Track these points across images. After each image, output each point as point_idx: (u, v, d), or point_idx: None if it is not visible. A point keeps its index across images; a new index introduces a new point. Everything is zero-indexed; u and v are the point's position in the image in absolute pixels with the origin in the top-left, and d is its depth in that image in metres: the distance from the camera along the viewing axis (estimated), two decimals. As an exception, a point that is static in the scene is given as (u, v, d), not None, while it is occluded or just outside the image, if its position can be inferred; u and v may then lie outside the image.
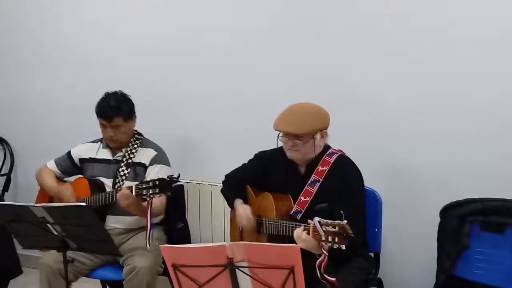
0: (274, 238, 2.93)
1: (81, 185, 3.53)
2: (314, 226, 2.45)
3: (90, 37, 4.29)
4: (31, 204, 2.91)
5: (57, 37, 4.40)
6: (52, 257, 3.24)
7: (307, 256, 2.39)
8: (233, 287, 2.35)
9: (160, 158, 3.54)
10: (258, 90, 3.79)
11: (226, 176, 3.32)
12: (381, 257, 3.22)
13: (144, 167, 3.51)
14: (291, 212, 2.94)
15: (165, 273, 3.23)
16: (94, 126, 3.58)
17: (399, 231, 3.50)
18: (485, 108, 3.22)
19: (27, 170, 4.55)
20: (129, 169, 3.50)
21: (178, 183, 3.66)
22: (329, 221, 2.40)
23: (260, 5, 3.72)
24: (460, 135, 3.30)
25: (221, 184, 3.33)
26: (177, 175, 3.11)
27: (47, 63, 4.48)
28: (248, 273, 2.31)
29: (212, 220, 3.97)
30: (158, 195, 3.02)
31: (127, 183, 3.36)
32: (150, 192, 3.01)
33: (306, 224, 2.55)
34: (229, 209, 3.30)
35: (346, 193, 2.84)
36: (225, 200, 3.31)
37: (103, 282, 3.79)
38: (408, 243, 3.51)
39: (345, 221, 2.35)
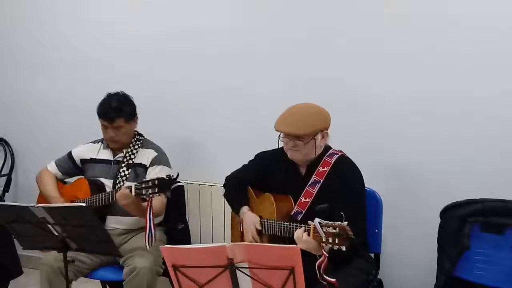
0: (274, 239, 2.93)
1: (81, 186, 3.53)
2: (314, 227, 2.45)
3: (90, 37, 4.28)
4: (32, 204, 2.92)
5: (57, 37, 4.40)
6: (52, 256, 3.24)
7: (307, 257, 2.39)
8: (233, 287, 2.34)
9: (161, 159, 3.54)
10: (258, 90, 3.79)
11: (226, 178, 3.31)
12: (381, 258, 3.22)
13: (145, 168, 3.51)
14: (292, 213, 2.94)
15: (165, 273, 3.23)
16: (94, 127, 3.58)
17: (399, 231, 3.50)
18: (485, 108, 3.22)
19: (28, 171, 4.56)
20: (129, 170, 3.50)
21: (178, 183, 3.68)
22: (329, 222, 2.40)
23: (260, 5, 3.72)
24: (460, 135, 3.30)
25: (222, 186, 3.33)
26: (176, 174, 3.11)
27: (47, 63, 4.47)
28: (248, 274, 2.31)
29: (213, 221, 3.97)
30: (158, 194, 3.02)
31: (127, 184, 3.35)
32: (150, 191, 3.01)
33: (306, 225, 2.55)
34: (230, 209, 3.30)
35: (346, 194, 2.84)
36: (228, 204, 3.30)
37: (103, 283, 3.79)
38: (408, 243, 3.51)
39: (346, 223, 2.35)
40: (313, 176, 2.94)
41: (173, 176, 3.07)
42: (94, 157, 3.61)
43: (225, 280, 2.34)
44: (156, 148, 3.59)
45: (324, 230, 2.39)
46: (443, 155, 3.35)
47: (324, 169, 2.94)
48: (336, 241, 2.36)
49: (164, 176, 3.04)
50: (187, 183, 3.91)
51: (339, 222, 2.36)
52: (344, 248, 2.35)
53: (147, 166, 3.51)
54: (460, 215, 3.00)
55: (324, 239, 2.39)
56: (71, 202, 3.49)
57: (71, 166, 3.67)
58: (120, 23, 4.16)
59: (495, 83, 3.19)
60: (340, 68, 3.53)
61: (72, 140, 3.82)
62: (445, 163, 3.35)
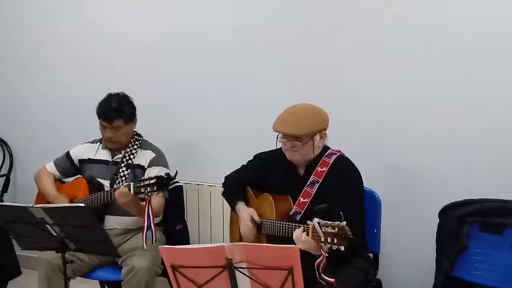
0: (273, 239, 2.93)
1: (79, 185, 3.54)
2: (313, 227, 2.45)
3: (90, 37, 4.28)
4: (30, 205, 2.92)
5: (57, 37, 4.40)
6: (51, 253, 3.23)
7: (306, 257, 2.39)
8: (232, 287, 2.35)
9: (159, 160, 3.54)
10: (258, 90, 3.79)
11: (225, 177, 3.32)
12: (380, 258, 3.22)
13: (143, 169, 3.51)
14: (291, 213, 2.94)
15: (164, 274, 3.22)
16: (94, 127, 3.58)
17: (399, 231, 3.51)
18: (485, 108, 3.23)
19: (26, 171, 4.56)
20: (128, 170, 3.50)
21: (177, 183, 3.68)
22: (328, 222, 2.40)
23: (260, 5, 3.72)
24: (460, 135, 3.30)
25: (221, 185, 3.33)
26: (174, 172, 3.11)
27: (47, 63, 4.47)
28: (247, 274, 2.32)
29: (211, 221, 3.97)
30: (156, 192, 3.02)
31: (127, 184, 3.34)
32: (148, 190, 3.01)
33: (305, 225, 2.56)
34: (229, 210, 3.30)
35: (345, 194, 2.84)
36: (227, 202, 3.30)
37: (102, 283, 3.80)
38: (408, 243, 3.52)
39: (344, 222, 2.35)
40: (312, 176, 2.95)
41: (172, 174, 3.07)
42: (92, 157, 3.61)
43: (223, 280, 2.34)
44: (155, 149, 3.59)
45: (323, 230, 2.39)
46: (442, 155, 3.35)
47: (323, 169, 2.94)
48: (335, 241, 2.36)
49: (163, 174, 3.05)
50: (186, 183, 3.91)
51: (338, 222, 2.37)
52: (342, 248, 2.35)
53: (145, 167, 3.51)
54: (459, 215, 3.00)
55: (323, 239, 2.39)
56: (70, 201, 3.50)
57: (69, 166, 3.67)
58: (120, 23, 4.16)
59: (495, 83, 3.19)
60: (340, 68, 3.53)
61: (71, 141, 3.81)
62: (444, 163, 3.35)
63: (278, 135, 2.94)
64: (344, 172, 2.94)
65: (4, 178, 4.72)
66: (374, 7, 3.41)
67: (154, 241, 3.09)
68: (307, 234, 2.50)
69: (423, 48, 3.32)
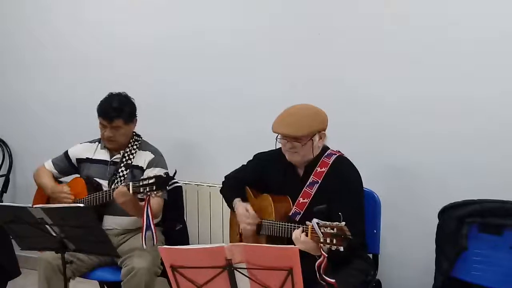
0: (273, 239, 2.93)
1: (77, 185, 3.54)
2: (312, 228, 2.45)
3: (90, 37, 4.29)
4: (30, 205, 2.92)
5: (57, 37, 4.40)
6: (50, 254, 3.23)
7: (306, 258, 2.40)
8: (231, 288, 2.35)
9: (158, 161, 3.54)
10: (258, 90, 3.80)
11: (225, 177, 3.32)
12: (380, 258, 3.22)
13: (142, 170, 3.51)
14: (290, 214, 2.94)
15: (164, 274, 3.22)
16: (93, 127, 3.58)
17: (398, 232, 3.51)
18: (485, 108, 3.23)
19: (26, 171, 4.56)
20: (127, 171, 3.50)
21: (177, 184, 3.68)
22: (327, 222, 2.40)
23: (260, 5, 3.72)
24: (460, 135, 3.30)
25: (221, 185, 3.34)
26: (174, 172, 3.12)
27: (47, 63, 4.47)
28: (246, 275, 2.32)
29: (211, 222, 3.97)
30: (155, 192, 3.02)
31: (126, 183, 3.34)
32: (147, 189, 3.02)
33: (304, 226, 2.56)
34: (228, 210, 3.30)
35: (344, 194, 2.84)
36: (224, 200, 3.31)
37: (101, 283, 3.80)
38: (407, 244, 3.52)
39: (343, 223, 2.36)
40: (311, 176, 2.95)
41: (171, 174, 3.08)
42: (90, 157, 3.61)
43: (223, 280, 2.34)
44: (154, 150, 3.59)
45: (322, 230, 2.39)
46: (442, 155, 3.36)
47: (322, 169, 2.94)
48: (334, 241, 2.36)
49: (162, 174, 3.05)
50: (186, 183, 3.91)
51: (337, 223, 2.37)
52: (342, 249, 2.35)
53: (144, 168, 3.51)
54: (458, 215, 3.00)
55: (322, 240, 2.39)
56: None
57: (67, 165, 3.68)
58: (120, 23, 4.16)
59: (495, 83, 3.20)
60: (340, 68, 3.54)
61: (71, 141, 3.80)
62: (444, 163, 3.35)
63: (277, 136, 2.94)
64: (344, 173, 2.94)
65: (3, 178, 4.72)
66: (374, 7, 3.41)
67: (155, 242, 3.10)
68: (306, 235, 2.51)
69: (423, 48, 3.32)
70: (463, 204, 3.01)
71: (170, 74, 4.06)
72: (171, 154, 3.68)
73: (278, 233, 2.90)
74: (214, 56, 3.89)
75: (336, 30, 3.53)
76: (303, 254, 2.34)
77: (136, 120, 3.59)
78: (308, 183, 2.95)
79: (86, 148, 3.67)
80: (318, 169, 2.95)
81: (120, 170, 3.51)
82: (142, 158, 3.55)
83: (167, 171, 3.43)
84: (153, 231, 3.08)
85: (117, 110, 3.46)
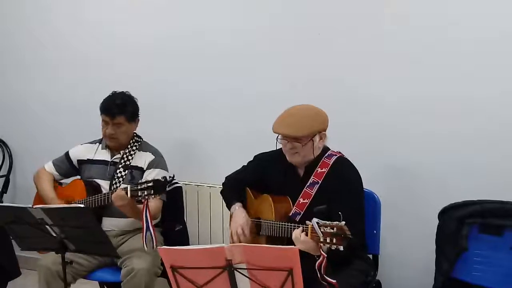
0: (272, 239, 2.94)
1: (76, 187, 3.54)
2: (312, 228, 2.45)
3: (90, 37, 4.29)
4: (30, 205, 2.92)
5: (57, 37, 4.40)
6: (50, 258, 3.25)
7: (305, 258, 2.40)
8: (231, 288, 2.36)
9: (158, 163, 3.54)
10: (258, 90, 3.80)
11: (226, 177, 3.32)
12: (380, 259, 3.23)
13: (141, 171, 3.52)
14: (290, 214, 2.94)
15: (164, 274, 3.23)
16: (94, 126, 3.60)
17: (398, 232, 3.52)
18: (485, 108, 3.24)
19: (26, 172, 4.55)
20: (126, 171, 3.51)
21: (177, 184, 3.69)
22: (327, 222, 2.41)
23: (260, 5, 3.73)
24: (460, 135, 3.31)
25: (221, 186, 3.34)
26: (172, 176, 3.12)
27: (47, 63, 4.48)
28: (246, 275, 2.32)
29: (211, 222, 3.98)
30: (153, 196, 3.04)
31: (123, 186, 3.34)
32: (145, 193, 3.03)
33: (304, 226, 2.56)
34: (228, 211, 3.29)
35: (344, 195, 2.84)
36: (224, 201, 3.31)
37: (101, 284, 3.81)
38: (407, 244, 3.52)
39: (343, 222, 2.36)
40: (312, 177, 2.95)
41: (170, 177, 3.08)
42: (91, 158, 3.62)
43: (223, 281, 2.35)
44: (154, 151, 3.60)
45: (322, 230, 2.40)
46: (442, 155, 3.36)
47: (323, 170, 2.95)
48: (334, 240, 2.36)
49: (160, 178, 3.06)
50: (186, 184, 3.91)
51: (337, 222, 2.37)
52: (341, 248, 2.35)
53: (144, 169, 3.52)
54: (458, 216, 3.00)
55: (322, 239, 2.39)
56: (68, 203, 3.50)
57: (68, 167, 3.69)
58: (120, 23, 4.17)
59: (495, 83, 3.20)
60: (340, 68, 3.55)
61: (71, 141, 3.81)
62: (444, 163, 3.36)
63: (277, 137, 2.95)
64: (344, 173, 2.94)
65: (3, 178, 4.72)
66: (374, 7, 3.42)
67: (154, 245, 3.11)
68: (306, 234, 2.51)
69: (423, 48, 3.33)
70: (463, 205, 3.02)
71: (170, 74, 4.06)
72: (171, 155, 3.69)
73: (278, 233, 2.91)
74: (214, 56, 3.90)
75: (336, 30, 3.53)
76: (303, 254, 2.34)
77: (138, 120, 3.60)
78: (308, 184, 2.95)
79: (87, 149, 3.68)
80: (319, 169, 2.96)
81: (118, 171, 3.52)
82: (142, 159, 3.55)
83: (167, 174, 3.45)
84: (152, 234, 3.09)
85: (120, 106, 3.47)
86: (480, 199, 3.01)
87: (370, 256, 3.18)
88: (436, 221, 3.15)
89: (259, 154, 3.26)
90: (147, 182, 3.05)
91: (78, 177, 3.66)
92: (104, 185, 3.53)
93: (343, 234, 2.35)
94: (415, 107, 3.40)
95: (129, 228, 3.50)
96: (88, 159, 3.63)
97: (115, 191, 3.23)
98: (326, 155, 3.00)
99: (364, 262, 3.03)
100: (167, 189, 3.41)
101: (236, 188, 3.24)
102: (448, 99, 3.31)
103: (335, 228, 2.37)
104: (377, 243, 3.21)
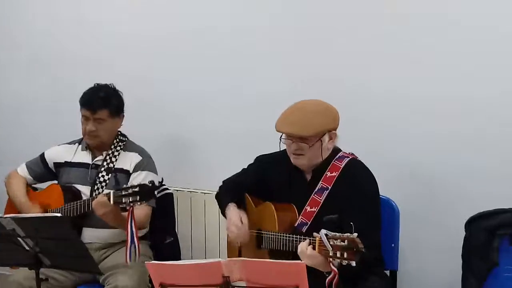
0: (276, 253, 2.93)
1: (53, 193, 3.54)
2: (320, 240, 2.45)
3: (66, 34, 4.39)
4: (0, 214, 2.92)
5: (32, 36, 4.49)
6: (22, 274, 3.23)
7: (313, 274, 2.40)
8: (229, 309, 2.34)
9: (146, 164, 3.54)
10: (259, 89, 3.86)
11: (223, 181, 3.32)
12: (398, 276, 3.23)
13: (127, 174, 3.51)
14: (296, 224, 2.93)
15: (152, 293, 3.23)
16: (74, 127, 3.61)
17: (419, 245, 3.52)
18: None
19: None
20: (109, 175, 3.50)
21: (167, 190, 3.68)
22: (337, 234, 2.39)
23: (260, 5, 3.83)
24: (486, 136, 3.34)
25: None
26: (160, 179, 3.11)
27: (22, 63, 4.55)
28: (246, 294, 2.32)
29: (206, 234, 3.99)
30: (139, 203, 3.02)
31: (106, 191, 3.31)
32: (130, 199, 3.01)
33: (311, 238, 2.55)
34: (226, 220, 3.27)
35: (357, 202, 2.83)
36: (218, 206, 3.31)
37: (82, 304, 3.80)
38: (429, 259, 3.52)
39: (356, 234, 2.35)
40: (320, 182, 2.94)
41: (159, 181, 3.06)
42: (69, 160, 3.61)
43: (219, 300, 2.34)
44: (141, 151, 3.59)
45: (331, 242, 2.39)
46: (469, 158, 3.37)
47: (333, 174, 2.93)
48: (345, 255, 2.35)
49: (147, 182, 3.04)
50: (177, 190, 3.94)
51: (348, 234, 2.36)
52: (354, 263, 2.34)
53: (130, 172, 3.52)
54: (488, 226, 3.01)
55: (331, 253, 2.38)
56: (44, 211, 3.49)
57: (42, 170, 3.68)
58: (118, 23, 4.25)
59: (496, 83, 3.30)
60: (345, 64, 3.62)
61: (48, 143, 3.82)
62: (472, 166, 3.36)
63: (281, 136, 2.94)
64: (357, 177, 2.93)
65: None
66: (374, 7, 3.54)
67: (137, 257, 3.09)
68: (313, 248, 2.50)
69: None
70: (494, 213, 3.03)
71: (167, 73, 4.14)
72: (161, 157, 3.70)
73: (282, 247, 2.89)
74: (214, 55, 3.97)
75: (336, 30, 3.63)
76: (311, 270, 2.34)
77: (123, 116, 3.59)
78: (316, 190, 2.94)
79: (64, 150, 3.67)
80: (328, 173, 2.94)
81: (100, 175, 3.51)
82: (127, 161, 3.54)
83: (156, 177, 3.43)
84: (136, 244, 3.07)
85: (102, 99, 3.47)
86: (512, 207, 3.01)
87: (387, 272, 3.17)
88: (463, 232, 3.15)
89: (261, 155, 3.25)
90: (132, 186, 3.03)
91: (55, 181, 3.66)
92: (85, 190, 3.52)
93: (355, 248, 2.34)
94: (444, 105, 3.42)
95: (113, 240, 3.48)
96: (66, 161, 3.63)
97: (97, 197, 3.21)
98: (337, 157, 2.98)
99: (380, 279, 2.98)
100: (156, 195, 3.41)
101: (232, 191, 3.22)
102: (474, 99, 3.35)
103: (346, 241, 2.36)
104: (395, 257, 3.19)
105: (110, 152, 3.56)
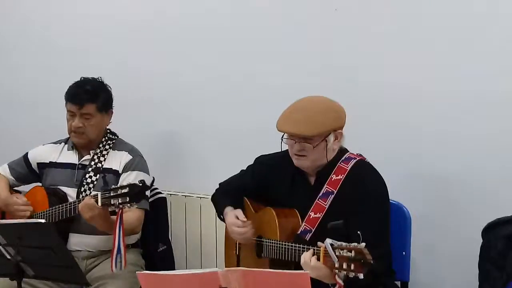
0: (277, 263, 2.93)
1: (36, 196, 3.56)
2: (325, 250, 2.45)
3: (48, 26, 4.46)
4: (-21, 221, 2.94)
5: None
6: (2, 285, 3.23)
7: (316, 285, 2.41)
8: (226, 323, 2.36)
9: (136, 164, 3.55)
10: (259, 84, 3.86)
11: (220, 184, 3.34)
12: (409, 287, 3.23)
13: (116, 174, 3.52)
14: (298, 232, 2.93)
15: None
16: (58, 127, 3.63)
17: (433, 254, 3.51)
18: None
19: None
20: (97, 176, 3.50)
21: (160, 194, 3.69)
22: (343, 244, 2.40)
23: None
24: (508, 137, 3.30)
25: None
26: (151, 179, 3.12)
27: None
28: (245, 307, 2.33)
29: (201, 242, 4.00)
30: (129, 205, 3.00)
31: (94, 193, 3.30)
32: (120, 201, 3.00)
33: (315, 247, 2.57)
34: (223, 227, 3.30)
35: (365, 207, 2.83)
36: (214, 209, 3.32)
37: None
38: (443, 269, 3.51)
39: (363, 244, 2.35)
40: (325, 185, 2.94)
41: (151, 181, 3.08)
42: (54, 161, 3.63)
43: (216, 314, 2.35)
44: (131, 150, 3.60)
45: (337, 253, 2.39)
46: (489, 160, 3.35)
47: (339, 177, 2.94)
48: (352, 267, 2.35)
49: (137, 182, 3.04)
50: (170, 194, 3.95)
51: (355, 244, 2.36)
52: (361, 276, 2.34)
53: (120, 172, 3.52)
54: (507, 234, 3.00)
55: (336, 265, 2.38)
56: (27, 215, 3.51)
57: (25, 171, 3.70)
58: (108, 16, 4.30)
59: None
60: (354, 59, 3.62)
61: (33, 143, 3.85)
62: (491, 169, 3.35)
63: (283, 136, 2.95)
64: (365, 180, 2.93)
65: None
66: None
67: (122, 265, 3.09)
68: (318, 259, 2.51)
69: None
70: (513, 219, 3.02)
71: (150, 60, 4.14)
72: (152, 158, 3.70)
73: (283, 256, 2.90)
74: (210, 47, 3.98)
75: (344, 24, 3.63)
76: (314, 281, 2.35)
77: (112, 113, 3.61)
78: (321, 194, 2.94)
79: (49, 150, 3.69)
80: (334, 176, 2.95)
81: (88, 176, 3.52)
82: (117, 160, 3.56)
83: (147, 177, 3.44)
84: (122, 251, 3.07)
85: (89, 93, 3.49)
86: (533, 213, 3.01)
87: (398, 283, 3.19)
88: (479, 240, 3.14)
89: (261, 156, 3.27)
90: (121, 187, 3.02)
91: (39, 184, 3.67)
92: (71, 193, 3.53)
93: (362, 259, 2.33)
94: (460, 104, 3.40)
95: (102, 248, 3.49)
96: (51, 162, 3.64)
97: (84, 199, 3.22)
98: (343, 158, 2.99)
99: (391, 291, 3.03)
100: (151, 198, 3.43)
101: (229, 194, 3.24)
102: (495, 96, 3.32)
103: (353, 252, 2.36)
104: (406, 267, 3.20)
105: (98, 151, 3.57)
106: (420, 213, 3.32)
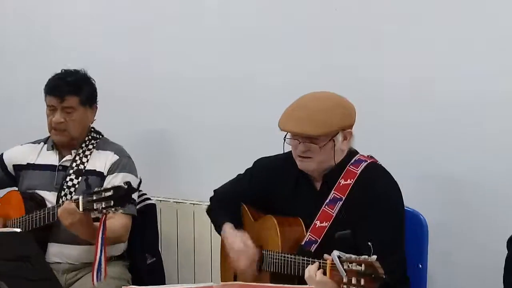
0: (278, 277, 2.93)
1: (11, 201, 3.57)
2: (332, 263, 2.44)
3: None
4: None
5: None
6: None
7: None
8: None
9: (124, 165, 3.55)
10: (259, 80, 3.88)
11: (215, 191, 3.33)
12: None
13: (101, 176, 3.52)
14: (303, 242, 2.93)
15: (131, 324, 3.24)
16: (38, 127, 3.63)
17: (452, 265, 3.50)
18: None
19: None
20: (80, 178, 3.50)
21: (148, 201, 3.69)
22: (352, 256, 2.38)
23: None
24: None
25: (208, 203, 3.35)
26: (138, 181, 3.10)
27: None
28: (242, 326, 2.33)
29: (195, 252, 4.01)
30: (113, 209, 2.99)
31: (75, 197, 3.27)
32: (103, 205, 2.98)
33: (321, 260, 2.55)
34: (219, 237, 3.29)
35: (377, 215, 2.82)
36: (212, 224, 3.32)
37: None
38: (464, 282, 3.50)
39: (374, 257, 2.33)
40: (333, 191, 2.93)
41: (138, 183, 3.06)
42: (32, 162, 3.64)
43: (211, 333, 2.35)
44: (117, 150, 3.60)
45: (345, 267, 2.37)
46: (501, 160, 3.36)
47: (348, 181, 2.92)
48: (362, 282, 2.32)
49: (123, 184, 3.01)
50: (160, 200, 3.96)
51: (365, 256, 2.34)
52: (373, 293, 2.34)
53: (105, 174, 3.52)
54: (534, 245, 3.00)
55: (345, 280, 2.36)
56: (2, 224, 3.51)
57: (1, 174, 3.71)
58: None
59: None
60: (363, 52, 3.63)
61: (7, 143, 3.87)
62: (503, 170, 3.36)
63: (285, 135, 2.94)
64: (377, 185, 2.92)
65: None
66: None
67: (102, 277, 3.07)
68: (324, 273, 2.50)
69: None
70: (540, 230, 3.01)
71: (137, 51, 4.19)
72: (140, 160, 3.70)
73: (286, 270, 2.89)
74: (206, 39, 4.02)
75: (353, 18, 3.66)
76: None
77: (96, 108, 3.62)
78: (328, 201, 2.93)
79: (27, 150, 3.70)
80: (342, 181, 2.94)
81: (69, 178, 3.52)
82: (101, 161, 3.56)
83: (134, 179, 3.42)
84: (103, 261, 3.05)
85: (71, 85, 3.50)
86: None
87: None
88: (504, 251, 3.13)
89: (261, 159, 3.26)
90: (105, 190, 3.00)
91: (15, 188, 3.67)
92: (50, 197, 3.53)
93: (373, 274, 2.31)
94: (481, 104, 3.40)
95: (84, 260, 3.48)
96: (28, 163, 3.65)
97: (63, 204, 3.20)
98: (353, 161, 2.98)
99: (405, 306, 3.01)
100: (139, 204, 3.42)
101: (227, 205, 3.24)
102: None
103: (363, 265, 2.33)
104: (423, 280, 3.20)
105: (80, 151, 3.57)
106: (438, 221, 3.32)
